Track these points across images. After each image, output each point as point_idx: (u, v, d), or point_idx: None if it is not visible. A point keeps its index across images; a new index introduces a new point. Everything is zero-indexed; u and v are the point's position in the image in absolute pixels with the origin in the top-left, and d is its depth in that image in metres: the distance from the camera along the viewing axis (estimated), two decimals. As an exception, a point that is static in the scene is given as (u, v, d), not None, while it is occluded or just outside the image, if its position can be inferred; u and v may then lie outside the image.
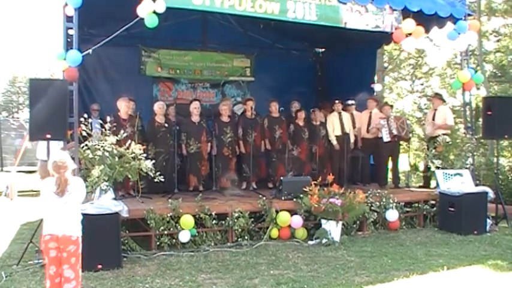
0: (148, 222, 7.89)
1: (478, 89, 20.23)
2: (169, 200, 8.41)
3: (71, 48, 7.59)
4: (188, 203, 8.45)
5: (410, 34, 9.37)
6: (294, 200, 8.95)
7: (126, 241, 7.71)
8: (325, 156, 11.76)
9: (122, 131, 7.92)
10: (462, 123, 11.47)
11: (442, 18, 9.83)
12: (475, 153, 10.57)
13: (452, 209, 9.37)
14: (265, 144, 11.31)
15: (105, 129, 7.61)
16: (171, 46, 12.98)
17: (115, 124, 8.13)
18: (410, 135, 11.61)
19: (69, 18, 7.74)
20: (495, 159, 11.06)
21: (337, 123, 11.70)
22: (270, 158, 11.50)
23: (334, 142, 11.73)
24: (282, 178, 9.56)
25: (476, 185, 10.01)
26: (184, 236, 8.03)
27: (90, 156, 7.39)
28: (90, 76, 11.52)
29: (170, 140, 10.16)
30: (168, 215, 8.02)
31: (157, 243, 7.98)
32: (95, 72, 11.61)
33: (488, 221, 9.64)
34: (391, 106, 12.69)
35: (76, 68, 7.60)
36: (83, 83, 10.18)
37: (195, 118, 10.64)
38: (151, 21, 7.52)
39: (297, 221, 8.68)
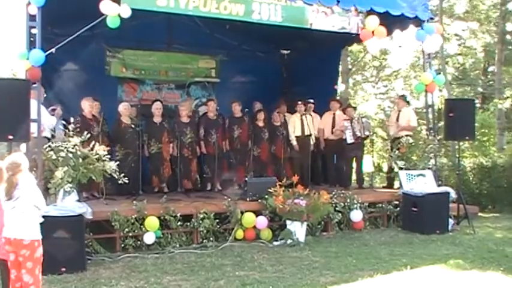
0: (113, 224, 7.82)
1: (440, 90, 20.54)
2: (134, 202, 8.35)
3: (34, 48, 7.48)
4: (153, 205, 8.40)
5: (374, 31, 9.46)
6: (259, 201, 8.95)
7: (90, 243, 7.62)
8: (285, 157, 11.76)
9: (86, 132, 7.82)
10: (425, 125, 11.62)
11: (406, 19, 9.95)
12: (437, 154, 10.73)
13: (415, 209, 9.49)
14: (225, 145, 11.27)
15: (69, 130, 7.52)
16: (136, 46, 12.84)
17: (79, 125, 8.03)
18: (368, 133, 11.68)
19: (32, 17, 7.60)
20: (457, 160, 11.23)
21: (298, 124, 11.69)
22: (230, 158, 11.45)
23: (294, 143, 11.73)
24: (247, 179, 9.56)
25: (439, 185, 10.15)
26: (149, 238, 7.97)
27: (54, 157, 7.29)
28: (53, 76, 11.33)
29: (137, 141, 10.10)
30: (133, 216, 7.96)
31: (122, 245, 7.92)
32: (58, 72, 11.43)
33: (450, 221, 9.78)
34: (355, 108, 12.81)
35: (39, 68, 7.49)
36: (46, 82, 10.00)
37: (157, 119, 10.60)
38: (113, 22, 7.46)
39: (262, 222, 8.70)
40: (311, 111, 12.11)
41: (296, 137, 11.74)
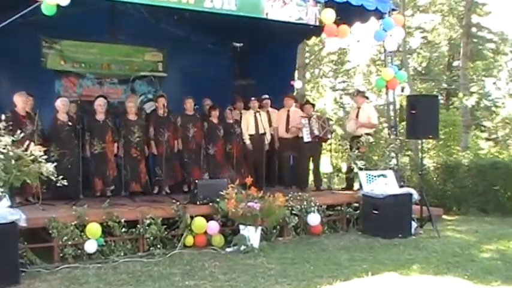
0: (50, 231, 7.67)
1: (402, 89, 20.85)
2: (74, 207, 8.22)
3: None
4: (95, 210, 8.29)
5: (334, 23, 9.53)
6: (210, 204, 8.94)
7: (24, 254, 7.45)
8: (241, 156, 11.86)
9: (19, 131, 7.63)
10: (386, 123, 11.80)
11: (367, 11, 10.07)
12: (399, 154, 10.88)
13: (376, 212, 9.60)
14: (178, 144, 11.24)
15: (0, 129, 7.35)
16: (75, 37, 12.59)
17: (11, 122, 7.86)
18: (330, 136, 11.86)
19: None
20: (419, 160, 11.40)
21: (252, 122, 11.80)
22: (183, 158, 11.42)
23: (247, 141, 11.82)
24: (197, 181, 9.54)
25: (401, 186, 10.30)
26: (90, 246, 7.85)
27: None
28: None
29: (75, 140, 9.95)
30: (73, 223, 7.82)
31: (61, 254, 7.75)
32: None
33: (413, 224, 9.92)
34: (313, 105, 12.88)
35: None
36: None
37: (100, 116, 10.48)
38: (48, 9, 7.32)
39: (213, 227, 8.67)
40: (268, 108, 12.18)
41: (250, 135, 11.80)
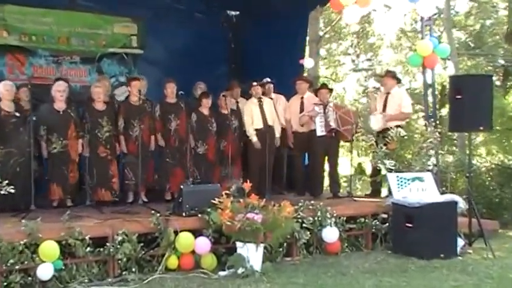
0: (-8, 253, 7.71)
1: (444, 68, 20.72)
2: (23, 221, 8.20)
3: None
4: (51, 224, 8.28)
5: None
6: (199, 216, 8.96)
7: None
8: (238, 155, 11.93)
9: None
10: (422, 112, 11.78)
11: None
12: (439, 151, 10.88)
13: (410, 225, 9.57)
14: (157, 140, 11.29)
15: None
16: (22, 1, 12.52)
17: None
18: (353, 135, 11.71)
19: None
20: (467, 159, 11.37)
21: (257, 113, 11.68)
22: (163, 158, 11.46)
23: (254, 139, 11.71)
24: (182, 186, 9.56)
25: (442, 192, 10.31)
26: (44, 272, 7.82)
27: None
28: None
29: (25, 135, 9.93)
30: (22, 242, 7.78)
31: (5, 283, 7.72)
32: None
33: (460, 241, 9.90)
34: (330, 90, 12.83)
35: None
36: None
37: (60, 105, 10.49)
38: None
39: (203, 244, 8.70)
40: (271, 94, 12.15)
41: (256, 130, 11.72)
